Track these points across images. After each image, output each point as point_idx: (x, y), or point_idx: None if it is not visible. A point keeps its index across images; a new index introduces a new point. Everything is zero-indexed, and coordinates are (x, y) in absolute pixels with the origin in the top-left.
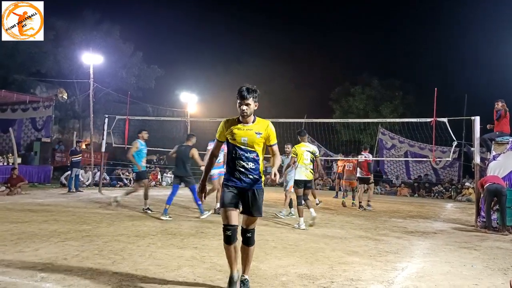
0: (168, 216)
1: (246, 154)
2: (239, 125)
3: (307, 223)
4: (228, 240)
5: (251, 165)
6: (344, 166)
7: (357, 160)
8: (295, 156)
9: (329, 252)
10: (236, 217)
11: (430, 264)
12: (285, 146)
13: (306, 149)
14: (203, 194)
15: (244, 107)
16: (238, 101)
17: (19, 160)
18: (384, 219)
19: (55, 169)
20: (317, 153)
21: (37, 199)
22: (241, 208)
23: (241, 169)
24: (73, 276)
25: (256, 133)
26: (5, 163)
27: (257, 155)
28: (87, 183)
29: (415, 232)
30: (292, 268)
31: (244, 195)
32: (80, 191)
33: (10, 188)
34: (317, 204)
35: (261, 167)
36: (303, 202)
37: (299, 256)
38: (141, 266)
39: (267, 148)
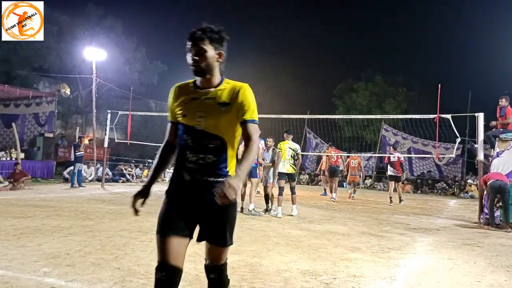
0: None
1: (203, 141)
2: (194, 94)
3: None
4: None
5: (209, 158)
6: (349, 163)
7: (389, 159)
8: (280, 150)
9: (332, 248)
10: (181, 252)
11: (433, 261)
12: (267, 139)
13: (288, 147)
14: (138, 203)
15: (194, 57)
16: (186, 46)
17: (22, 155)
18: (387, 216)
19: (58, 164)
20: (299, 151)
21: (40, 194)
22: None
23: (193, 165)
24: (76, 271)
25: (220, 103)
26: (8, 158)
27: (223, 142)
28: (89, 179)
29: (418, 228)
30: (294, 264)
31: (201, 208)
32: (82, 186)
33: (13, 183)
34: (333, 200)
35: (231, 162)
36: (287, 194)
37: (302, 252)
38: (143, 261)
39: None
